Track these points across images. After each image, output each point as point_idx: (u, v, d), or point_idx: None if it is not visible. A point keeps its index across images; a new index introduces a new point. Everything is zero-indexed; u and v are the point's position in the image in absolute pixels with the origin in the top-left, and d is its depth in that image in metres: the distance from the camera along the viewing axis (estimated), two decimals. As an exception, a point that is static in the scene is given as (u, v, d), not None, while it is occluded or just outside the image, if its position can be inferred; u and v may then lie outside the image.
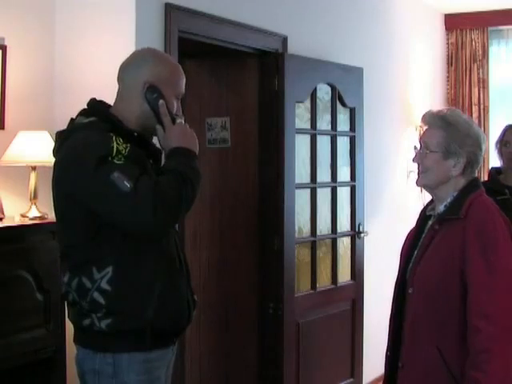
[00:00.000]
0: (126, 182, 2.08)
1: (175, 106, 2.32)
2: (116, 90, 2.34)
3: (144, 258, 2.20)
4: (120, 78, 2.34)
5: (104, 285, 2.17)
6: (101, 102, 2.35)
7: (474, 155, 2.39)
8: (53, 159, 3.20)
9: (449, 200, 2.39)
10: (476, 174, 2.46)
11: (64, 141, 2.25)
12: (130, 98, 2.29)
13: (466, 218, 2.30)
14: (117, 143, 2.15)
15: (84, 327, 2.22)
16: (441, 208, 2.41)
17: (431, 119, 2.43)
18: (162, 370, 2.31)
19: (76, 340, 2.32)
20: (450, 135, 2.37)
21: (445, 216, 2.37)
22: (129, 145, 2.18)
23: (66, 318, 3.08)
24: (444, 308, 2.29)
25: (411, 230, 2.56)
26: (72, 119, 2.34)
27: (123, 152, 2.14)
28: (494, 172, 3.99)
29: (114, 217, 2.14)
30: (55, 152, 2.32)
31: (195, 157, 2.28)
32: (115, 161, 2.11)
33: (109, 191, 2.10)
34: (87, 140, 2.17)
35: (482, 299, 2.22)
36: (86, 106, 2.35)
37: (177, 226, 2.52)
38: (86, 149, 2.15)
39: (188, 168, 2.22)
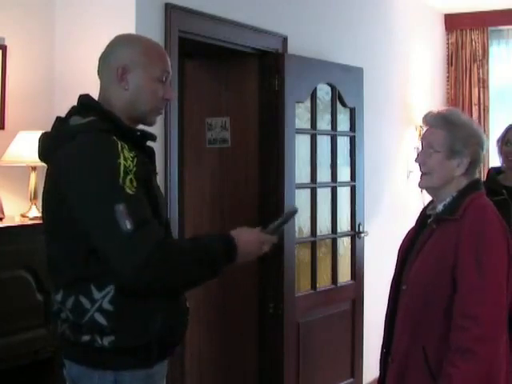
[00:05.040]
0: (127, 222, 1.89)
1: (160, 89, 2.13)
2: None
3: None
4: (98, 73, 2.19)
5: (106, 305, 2.01)
6: (92, 98, 2.15)
7: (478, 154, 2.40)
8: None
9: (448, 200, 2.40)
10: (477, 174, 2.46)
11: (60, 144, 2.04)
12: (109, 90, 2.14)
13: (461, 219, 2.31)
14: (123, 156, 1.96)
15: (82, 343, 2.04)
16: (440, 208, 2.42)
17: (433, 120, 2.43)
18: (161, 382, 2.20)
19: (68, 355, 2.12)
20: (454, 135, 2.37)
21: (442, 216, 2.38)
22: (134, 154, 2.01)
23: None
24: (433, 307, 2.30)
25: (411, 229, 2.57)
26: (61, 118, 2.15)
27: (130, 167, 1.96)
28: (494, 172, 3.98)
29: (100, 248, 1.96)
30: (45, 155, 2.12)
31: (231, 261, 2.10)
32: (126, 188, 1.93)
33: (106, 222, 1.92)
34: (96, 151, 1.99)
35: (470, 299, 2.22)
36: (75, 104, 2.17)
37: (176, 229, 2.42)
38: (94, 162, 1.97)
39: (218, 263, 2.05)
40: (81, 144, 2.00)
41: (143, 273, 1.91)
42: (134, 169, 1.97)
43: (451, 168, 2.38)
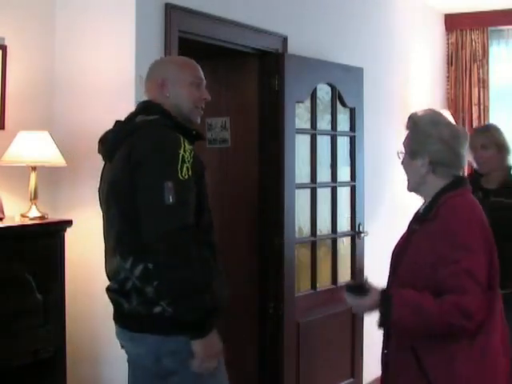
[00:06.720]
0: (171, 197, 2.21)
1: (195, 91, 2.49)
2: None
3: (200, 247, 2.31)
4: (146, 90, 2.57)
5: None
6: (154, 101, 2.49)
7: (440, 154, 2.39)
8: (53, 159, 3.20)
9: (428, 201, 2.42)
10: (459, 174, 2.45)
11: (126, 137, 2.36)
12: (157, 99, 2.48)
13: (435, 219, 2.33)
14: (184, 148, 2.27)
15: (155, 314, 2.31)
16: (421, 209, 2.45)
17: (406, 121, 2.51)
18: None
19: (141, 328, 2.36)
20: (413, 135, 2.44)
21: (420, 217, 2.41)
22: (192, 148, 2.32)
23: (66, 318, 3.09)
24: None
25: (404, 233, 2.59)
26: (124, 119, 2.48)
27: (188, 158, 2.26)
28: (475, 173, 3.99)
29: (140, 210, 2.26)
30: (112, 148, 2.41)
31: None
32: (179, 173, 2.24)
33: (153, 192, 2.23)
34: (162, 137, 2.31)
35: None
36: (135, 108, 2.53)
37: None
38: (159, 149, 2.29)
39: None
40: (148, 135, 2.34)
41: (158, 241, 2.19)
42: (191, 160, 2.28)
43: (416, 168, 2.42)
